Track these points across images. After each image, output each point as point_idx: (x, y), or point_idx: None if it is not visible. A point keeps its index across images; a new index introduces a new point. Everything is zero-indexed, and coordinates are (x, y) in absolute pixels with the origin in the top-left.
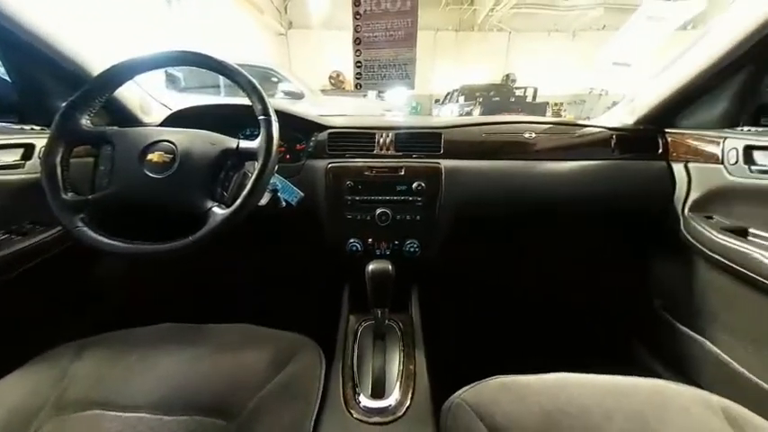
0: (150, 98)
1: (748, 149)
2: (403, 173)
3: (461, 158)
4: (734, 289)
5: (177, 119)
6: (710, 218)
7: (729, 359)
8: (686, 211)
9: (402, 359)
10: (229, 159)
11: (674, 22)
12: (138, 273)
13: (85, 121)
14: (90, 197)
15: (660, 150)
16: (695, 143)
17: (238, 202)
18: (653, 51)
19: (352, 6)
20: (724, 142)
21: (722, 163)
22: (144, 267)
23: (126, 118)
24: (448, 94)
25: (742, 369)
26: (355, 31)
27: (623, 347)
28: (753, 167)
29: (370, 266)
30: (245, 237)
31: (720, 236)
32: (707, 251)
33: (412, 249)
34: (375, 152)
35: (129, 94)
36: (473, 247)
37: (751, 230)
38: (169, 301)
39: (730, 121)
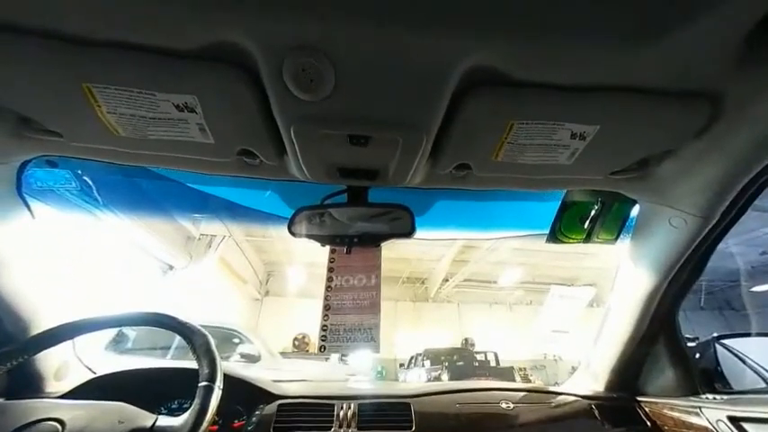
0: (76, 360)
1: (735, 421)
2: None
3: None
4: None
5: (96, 386)
6: None
7: None
8: None
9: None
10: None
11: (582, 301)
12: None
13: None
14: None
15: (648, 423)
16: (677, 415)
17: None
18: (578, 320)
19: (326, 282)
20: (702, 412)
21: None
22: None
23: (26, 385)
24: (412, 357)
25: None
26: (326, 299)
27: None
28: None
29: None
30: None
31: None
32: None
33: None
34: (333, 430)
35: (49, 353)
36: None
37: None
38: None
39: (688, 388)
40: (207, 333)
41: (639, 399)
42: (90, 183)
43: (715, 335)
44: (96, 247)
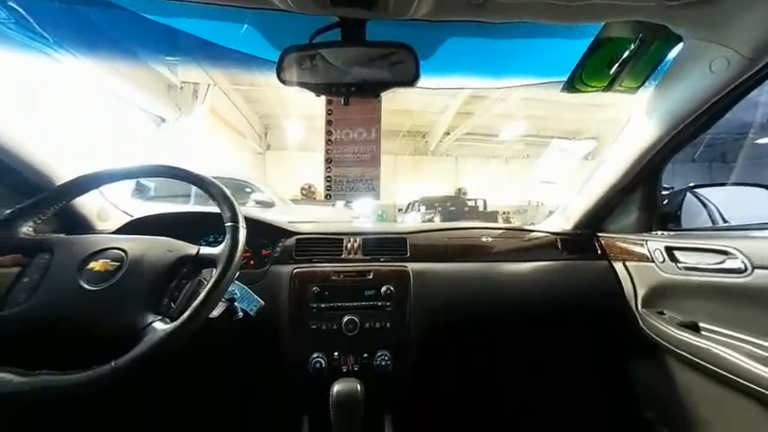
0: (111, 206)
1: (669, 250)
2: (371, 276)
3: (427, 261)
4: (690, 379)
5: (137, 226)
6: (662, 313)
7: None
8: (639, 307)
9: None
10: (185, 267)
11: (579, 155)
12: (33, 418)
13: (27, 229)
14: None
15: (599, 251)
16: (625, 245)
17: (187, 313)
18: (570, 172)
19: (325, 135)
20: (647, 244)
21: (653, 261)
22: (44, 409)
23: (78, 225)
24: (410, 204)
25: None
26: (327, 153)
27: None
28: (679, 265)
29: (336, 387)
30: (184, 363)
31: (678, 331)
32: (668, 345)
33: (383, 363)
34: (342, 256)
35: (87, 200)
36: (448, 364)
37: (701, 325)
38: None
39: (644, 227)
40: (219, 183)
41: (599, 234)
42: (21, 11)
43: (691, 185)
44: (82, 100)
